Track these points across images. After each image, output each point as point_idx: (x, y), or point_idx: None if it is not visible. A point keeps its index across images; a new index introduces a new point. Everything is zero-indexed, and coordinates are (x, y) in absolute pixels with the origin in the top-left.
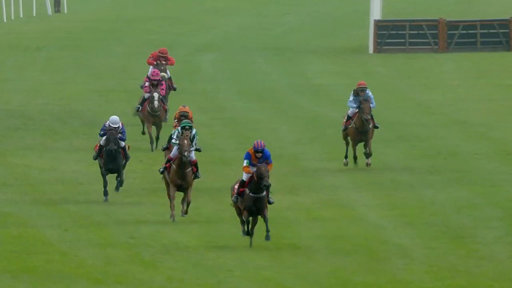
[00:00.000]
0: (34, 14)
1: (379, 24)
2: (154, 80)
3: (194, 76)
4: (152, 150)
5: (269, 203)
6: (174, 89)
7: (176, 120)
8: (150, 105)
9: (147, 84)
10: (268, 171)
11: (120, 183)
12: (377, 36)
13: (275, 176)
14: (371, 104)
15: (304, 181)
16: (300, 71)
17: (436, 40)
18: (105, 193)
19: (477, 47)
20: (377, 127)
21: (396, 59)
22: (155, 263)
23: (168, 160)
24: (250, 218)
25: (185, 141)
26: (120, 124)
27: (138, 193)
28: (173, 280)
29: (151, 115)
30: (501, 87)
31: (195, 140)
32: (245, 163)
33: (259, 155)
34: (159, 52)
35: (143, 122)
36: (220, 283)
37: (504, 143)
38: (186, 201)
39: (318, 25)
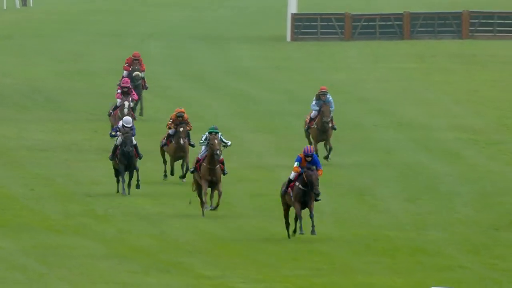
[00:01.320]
0: (5, 7)
1: (295, 17)
2: (125, 87)
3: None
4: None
5: (316, 200)
6: (146, 88)
7: (171, 120)
8: (120, 112)
9: (119, 91)
10: (318, 179)
11: (135, 181)
12: (294, 27)
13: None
14: (330, 108)
15: (235, 148)
16: (231, 56)
17: (343, 30)
18: (122, 188)
19: (376, 36)
20: (335, 129)
21: (310, 46)
22: (107, 217)
23: (198, 161)
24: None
25: (216, 141)
26: (133, 123)
27: (93, 157)
28: (123, 231)
29: (121, 117)
30: (395, 70)
31: (223, 142)
32: (295, 164)
33: (309, 159)
34: (132, 56)
35: (112, 126)
36: (163, 233)
37: (398, 116)
38: (217, 194)
39: (245, 17)
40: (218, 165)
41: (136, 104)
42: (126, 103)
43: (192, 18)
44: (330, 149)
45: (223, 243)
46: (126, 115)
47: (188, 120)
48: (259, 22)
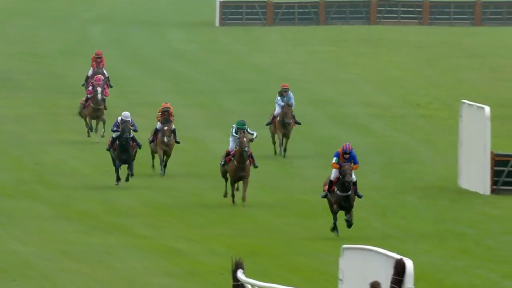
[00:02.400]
0: None
1: (223, 4)
2: (97, 84)
3: (85, 43)
4: (88, 136)
5: (358, 197)
6: (111, 86)
7: (160, 113)
8: (93, 101)
9: (90, 88)
10: (351, 170)
11: (131, 174)
12: (222, 13)
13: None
14: (291, 102)
15: None
16: (166, 39)
17: (265, 16)
18: (117, 179)
19: (295, 22)
20: (299, 123)
21: (236, 31)
22: (56, 184)
23: (228, 154)
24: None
25: (245, 139)
26: (131, 118)
27: (44, 130)
28: (70, 197)
29: (94, 110)
30: (312, 53)
31: (251, 135)
32: (334, 160)
33: (347, 156)
34: (95, 54)
35: (85, 118)
36: (106, 199)
37: (315, 94)
38: (245, 190)
39: (179, 5)
40: (248, 161)
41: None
42: (99, 88)
43: (132, 5)
44: (286, 142)
45: (159, 207)
46: (100, 100)
47: (172, 114)
48: (191, 9)
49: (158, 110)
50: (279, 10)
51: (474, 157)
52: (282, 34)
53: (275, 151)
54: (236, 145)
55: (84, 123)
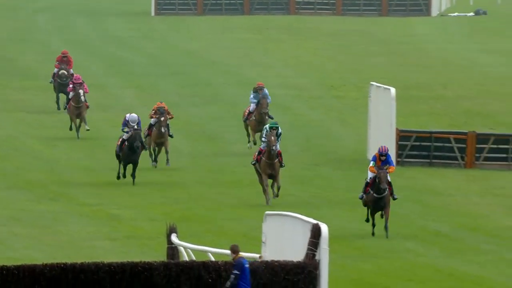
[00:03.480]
0: None
1: None
2: (77, 83)
3: (33, 30)
4: (70, 129)
5: (393, 199)
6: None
7: (153, 111)
8: (74, 101)
9: (71, 86)
10: (386, 177)
11: (133, 177)
12: (157, 3)
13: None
14: (268, 100)
15: (110, 101)
16: (106, 27)
17: (196, 7)
18: (123, 175)
19: (222, 11)
20: (272, 118)
21: (170, 20)
22: (8, 156)
23: (259, 152)
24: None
25: (272, 137)
26: (138, 119)
27: None
28: (21, 169)
29: (75, 108)
30: (238, 40)
31: (280, 136)
32: (371, 163)
33: (383, 158)
34: (61, 53)
35: (71, 119)
36: (53, 170)
37: (241, 76)
38: (277, 186)
39: None
40: (276, 159)
41: (63, 98)
42: (81, 91)
43: None
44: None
45: (101, 177)
46: (81, 102)
47: (169, 110)
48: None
49: (152, 108)
50: (208, 1)
51: (381, 133)
52: (211, 23)
53: (254, 142)
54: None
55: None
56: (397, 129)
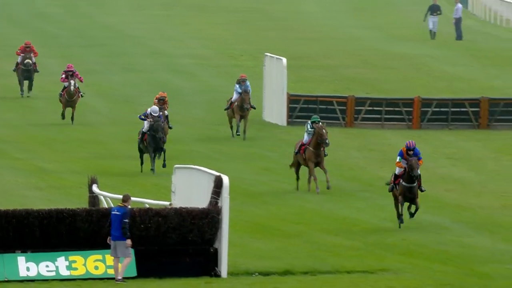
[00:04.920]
0: None
1: None
2: (69, 71)
3: None
4: (63, 117)
5: (421, 191)
6: (38, 71)
7: (156, 100)
8: (67, 92)
9: (63, 76)
10: (418, 164)
11: (164, 165)
12: None
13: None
14: (248, 89)
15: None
16: (34, 3)
17: None
18: (151, 169)
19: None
20: (254, 108)
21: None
22: None
23: (302, 145)
24: (406, 204)
25: (324, 131)
26: (160, 112)
27: None
28: None
29: (67, 101)
30: (152, 15)
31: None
32: (398, 159)
33: (411, 152)
34: (24, 44)
35: (63, 107)
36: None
37: (153, 48)
38: (325, 172)
39: None
40: (322, 149)
41: (29, 85)
42: (72, 81)
43: None
44: (246, 126)
45: (32, 136)
46: (73, 92)
47: (167, 102)
48: None
49: (155, 97)
50: None
51: (274, 97)
52: (126, 0)
53: (232, 134)
54: (310, 136)
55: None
56: (288, 93)
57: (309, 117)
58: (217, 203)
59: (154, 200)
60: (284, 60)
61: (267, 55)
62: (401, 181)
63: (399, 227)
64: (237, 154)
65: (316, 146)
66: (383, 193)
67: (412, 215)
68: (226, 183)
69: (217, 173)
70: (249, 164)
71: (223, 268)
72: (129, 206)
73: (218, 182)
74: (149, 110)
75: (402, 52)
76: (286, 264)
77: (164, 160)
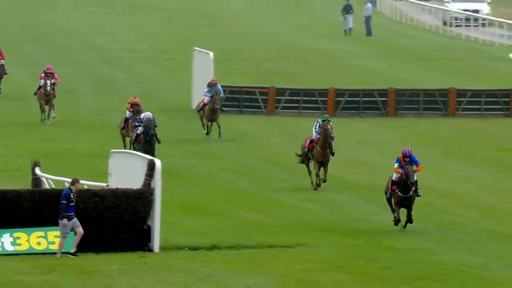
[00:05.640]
0: None
1: None
2: (49, 72)
3: None
4: (42, 120)
5: (417, 196)
6: (6, 73)
7: (129, 105)
8: (44, 89)
9: (42, 74)
10: (413, 171)
11: None
12: None
13: None
14: (220, 94)
15: None
16: None
17: None
18: None
19: None
20: (223, 111)
21: None
22: None
23: (311, 141)
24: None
25: (329, 126)
26: (153, 118)
27: None
28: None
29: (44, 95)
30: (89, 12)
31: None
32: (396, 165)
33: (407, 159)
34: None
35: (40, 104)
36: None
37: (91, 42)
38: (325, 171)
39: None
40: (328, 149)
41: None
42: (48, 81)
43: None
44: (219, 126)
45: None
46: (49, 92)
47: (141, 105)
48: None
49: (128, 102)
50: None
51: (203, 87)
52: None
53: (207, 133)
54: (318, 134)
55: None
56: None
57: (234, 106)
58: (150, 184)
59: (92, 181)
60: (211, 54)
61: (195, 49)
62: (396, 190)
63: (396, 224)
64: (169, 139)
65: (323, 146)
66: (301, 175)
67: (406, 224)
68: (158, 166)
69: (150, 157)
70: (179, 149)
71: (156, 244)
72: (73, 189)
73: (151, 165)
74: (142, 115)
75: (318, 47)
76: (213, 240)
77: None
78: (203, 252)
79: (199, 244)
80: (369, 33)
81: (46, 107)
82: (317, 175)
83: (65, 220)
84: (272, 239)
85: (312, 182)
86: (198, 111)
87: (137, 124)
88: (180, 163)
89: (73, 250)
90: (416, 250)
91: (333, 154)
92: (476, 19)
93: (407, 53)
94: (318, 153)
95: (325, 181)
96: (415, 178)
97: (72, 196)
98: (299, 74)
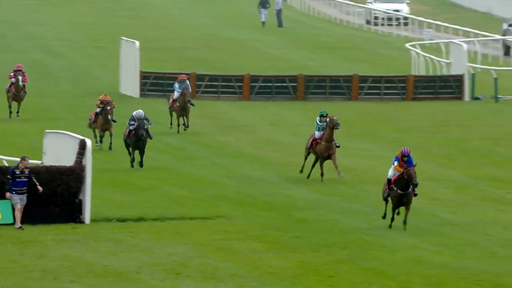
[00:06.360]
0: None
1: None
2: (18, 70)
3: None
4: (10, 117)
5: (414, 195)
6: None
7: (99, 102)
8: (15, 87)
9: (12, 74)
10: (415, 173)
11: (141, 162)
12: None
13: None
14: (189, 87)
15: None
16: None
17: None
18: (132, 161)
19: None
20: (193, 105)
21: None
22: None
23: (314, 139)
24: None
25: (334, 117)
26: (145, 115)
27: None
28: None
29: (14, 95)
30: (25, 4)
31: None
32: (395, 163)
33: (405, 159)
34: None
35: (9, 102)
36: None
37: (29, 32)
38: (336, 164)
39: None
40: (333, 142)
41: None
42: (20, 77)
43: None
44: (187, 121)
45: None
46: (21, 87)
47: (112, 101)
48: None
49: (98, 99)
50: None
51: (129, 73)
52: None
53: (178, 124)
54: (322, 132)
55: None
56: (140, 71)
57: (158, 90)
58: (81, 161)
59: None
60: (137, 43)
61: (123, 39)
62: (394, 187)
63: (390, 227)
64: None
65: (328, 139)
66: (220, 154)
67: (405, 223)
68: (89, 145)
69: (82, 137)
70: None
71: (87, 216)
72: (21, 166)
73: (82, 145)
74: (134, 113)
75: (236, 37)
76: (140, 213)
77: (142, 160)
78: (130, 224)
79: (127, 216)
80: (280, 24)
81: (14, 104)
82: (322, 167)
83: (8, 194)
84: (193, 212)
85: (301, 168)
86: (170, 107)
87: (131, 123)
88: (109, 143)
89: (18, 225)
90: (323, 221)
91: (338, 146)
92: (397, 18)
93: (315, 43)
94: (323, 147)
95: (338, 171)
96: (417, 181)
97: (17, 172)
98: (217, 61)
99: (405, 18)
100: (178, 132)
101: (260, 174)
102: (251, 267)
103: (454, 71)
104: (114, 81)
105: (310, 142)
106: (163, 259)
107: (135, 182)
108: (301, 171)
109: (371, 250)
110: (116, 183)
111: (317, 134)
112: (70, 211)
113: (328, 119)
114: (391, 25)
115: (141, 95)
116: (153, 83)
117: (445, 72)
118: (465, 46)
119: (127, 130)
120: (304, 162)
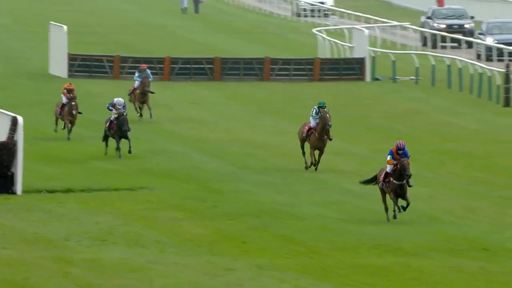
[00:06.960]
0: None
1: None
2: None
3: None
4: None
5: (409, 186)
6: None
7: (65, 90)
8: None
9: None
10: (409, 164)
11: (130, 151)
12: None
13: None
14: (149, 79)
15: None
16: None
17: None
18: (118, 149)
19: None
20: (153, 92)
21: None
22: None
23: (309, 129)
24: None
25: (328, 115)
26: (124, 103)
27: None
28: None
29: None
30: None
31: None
32: (389, 157)
33: (400, 152)
34: None
35: None
36: None
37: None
38: (320, 157)
39: None
40: (325, 136)
41: None
42: None
43: None
44: (150, 108)
45: None
46: None
47: (74, 89)
48: None
49: (63, 87)
50: None
51: (58, 56)
52: None
53: (141, 114)
54: (317, 122)
55: None
56: (68, 53)
57: (85, 71)
58: (13, 137)
59: None
60: (65, 27)
61: (51, 23)
62: (391, 179)
63: (388, 220)
64: (32, 100)
65: (321, 133)
66: (142, 130)
67: (404, 209)
68: (21, 122)
69: (13, 114)
70: (41, 108)
71: (18, 188)
72: None
73: (14, 121)
74: (115, 100)
75: (157, 22)
76: (68, 184)
77: (130, 147)
78: (59, 195)
79: (56, 187)
80: (196, 11)
81: None
82: (312, 156)
83: None
84: (118, 183)
85: (306, 163)
86: (129, 94)
87: (110, 108)
88: (41, 121)
89: None
90: (238, 192)
91: (330, 139)
92: (320, 10)
93: (230, 28)
94: (315, 139)
95: (318, 162)
96: (410, 172)
97: None
98: (140, 44)
99: (329, 10)
100: (141, 115)
101: (179, 149)
102: (172, 234)
103: (356, 54)
104: (44, 63)
105: (306, 132)
106: (90, 227)
107: (64, 156)
108: (307, 167)
109: (282, 219)
110: (46, 157)
111: (313, 123)
112: (3, 183)
113: (320, 114)
114: (318, 16)
115: (69, 75)
116: (80, 65)
117: (348, 55)
118: (366, 31)
119: (108, 121)
120: (304, 156)
